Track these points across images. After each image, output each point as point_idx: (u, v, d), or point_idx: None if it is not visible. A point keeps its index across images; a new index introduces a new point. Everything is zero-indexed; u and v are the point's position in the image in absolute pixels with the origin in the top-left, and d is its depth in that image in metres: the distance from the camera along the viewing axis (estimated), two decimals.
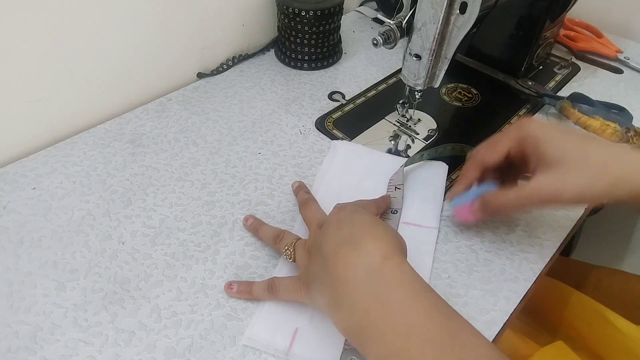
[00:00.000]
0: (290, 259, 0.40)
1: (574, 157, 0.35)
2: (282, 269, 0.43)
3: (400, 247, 0.35)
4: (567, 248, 0.77)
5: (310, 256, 0.38)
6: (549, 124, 0.39)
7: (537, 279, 0.43)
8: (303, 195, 0.48)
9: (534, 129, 0.38)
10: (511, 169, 0.43)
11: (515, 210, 0.40)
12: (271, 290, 0.39)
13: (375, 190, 0.50)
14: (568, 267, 0.64)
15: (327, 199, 0.48)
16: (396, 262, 0.32)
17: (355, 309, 0.32)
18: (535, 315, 0.57)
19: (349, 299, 0.32)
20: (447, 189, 0.50)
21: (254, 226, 0.46)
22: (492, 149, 0.41)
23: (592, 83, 0.68)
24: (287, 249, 0.41)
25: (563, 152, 0.36)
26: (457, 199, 0.45)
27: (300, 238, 0.42)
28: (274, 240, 0.43)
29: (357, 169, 0.53)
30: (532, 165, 0.39)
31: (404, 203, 0.48)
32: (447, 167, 0.52)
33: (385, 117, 0.60)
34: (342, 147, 0.55)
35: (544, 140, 0.37)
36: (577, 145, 0.36)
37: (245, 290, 0.41)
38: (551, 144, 0.37)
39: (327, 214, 0.41)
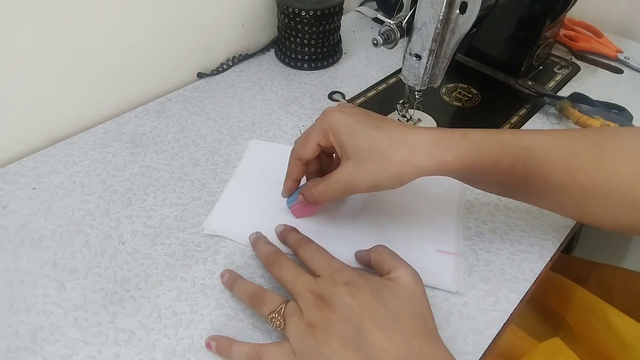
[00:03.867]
0: (279, 328, 0.35)
1: (364, 147, 0.37)
2: None
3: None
4: (568, 245, 0.77)
5: (315, 333, 0.33)
6: (348, 113, 0.39)
7: (537, 278, 0.43)
8: (294, 239, 0.42)
9: (334, 119, 0.39)
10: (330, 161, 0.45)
11: (328, 199, 0.41)
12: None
13: None
14: (570, 264, 0.64)
15: (244, 205, 0.48)
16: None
17: None
18: (538, 310, 0.57)
19: None
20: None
21: (229, 282, 0.40)
22: (303, 144, 0.41)
23: (592, 83, 0.68)
24: (274, 317, 0.35)
25: (356, 143, 0.38)
26: (290, 198, 0.46)
27: (288, 301, 0.36)
28: (250, 300, 0.37)
29: (276, 172, 0.48)
30: (338, 154, 0.40)
31: (429, 227, 0.46)
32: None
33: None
34: (257, 147, 0.55)
35: (342, 132, 0.38)
36: (367, 135, 0.38)
37: (225, 350, 0.36)
38: (347, 135, 0.38)
39: (322, 281, 0.35)
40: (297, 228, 0.44)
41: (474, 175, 0.38)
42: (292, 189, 0.45)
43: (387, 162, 0.37)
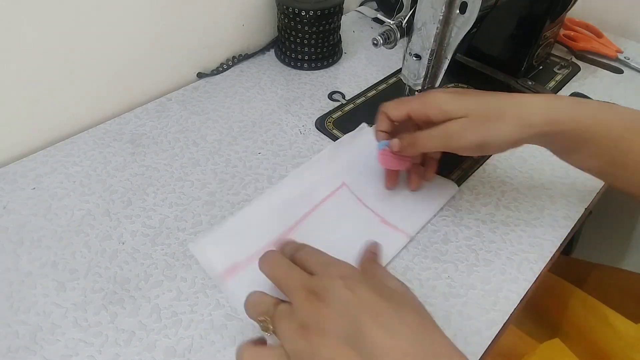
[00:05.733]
0: (267, 332, 0.31)
1: (473, 108, 0.39)
2: None
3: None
4: (568, 247, 0.77)
5: (307, 335, 0.29)
6: (450, 90, 0.42)
7: (537, 278, 0.43)
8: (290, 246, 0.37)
9: (437, 97, 0.41)
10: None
11: (426, 145, 0.42)
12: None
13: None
14: (569, 265, 0.64)
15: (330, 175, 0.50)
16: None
17: None
18: (537, 312, 0.57)
19: None
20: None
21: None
22: (396, 105, 0.43)
23: (592, 83, 0.68)
24: (263, 320, 0.31)
25: (464, 107, 0.39)
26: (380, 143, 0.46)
27: (280, 302, 0.32)
28: (249, 307, 0.33)
29: (370, 162, 0.52)
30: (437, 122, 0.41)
31: (390, 211, 0.48)
32: (457, 188, 0.50)
33: None
34: (367, 135, 0.55)
35: (445, 104, 0.40)
36: (476, 99, 0.39)
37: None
38: (452, 104, 0.40)
39: (317, 277, 0.32)
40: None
41: (581, 142, 0.38)
42: (382, 137, 0.45)
43: (499, 121, 0.38)
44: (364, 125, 0.56)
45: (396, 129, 0.45)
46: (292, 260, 0.35)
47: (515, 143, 0.39)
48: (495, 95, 0.40)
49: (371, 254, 0.39)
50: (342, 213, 0.48)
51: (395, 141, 0.43)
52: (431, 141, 0.41)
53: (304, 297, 0.30)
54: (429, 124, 0.41)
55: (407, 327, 0.29)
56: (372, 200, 0.49)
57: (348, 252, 0.42)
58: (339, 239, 0.45)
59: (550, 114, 0.37)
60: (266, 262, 0.35)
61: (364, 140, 0.54)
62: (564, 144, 0.40)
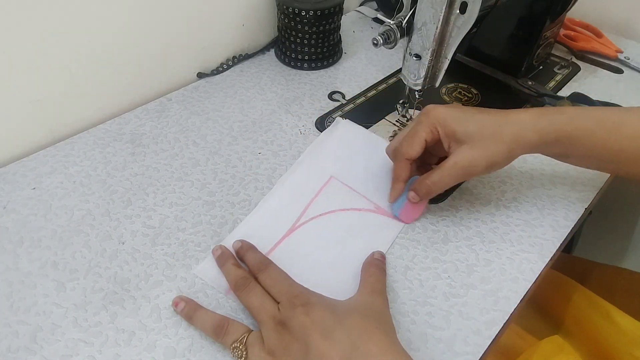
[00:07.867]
0: (241, 358, 0.35)
1: (476, 131, 0.40)
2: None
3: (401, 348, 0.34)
4: (568, 245, 0.77)
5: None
6: (449, 107, 0.43)
7: (537, 278, 0.43)
8: (254, 259, 0.41)
9: (439, 113, 0.42)
10: (428, 155, 0.46)
11: (443, 187, 0.43)
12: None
13: (368, 171, 0.51)
14: (570, 264, 0.64)
15: (312, 175, 0.51)
16: None
17: None
18: (539, 308, 0.57)
19: None
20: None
21: (187, 313, 0.38)
22: (411, 143, 0.43)
23: (592, 83, 0.68)
24: (236, 346, 0.35)
25: (467, 128, 0.41)
26: (395, 205, 0.47)
27: (251, 330, 0.37)
28: (214, 332, 0.37)
29: (352, 150, 0.53)
30: (446, 145, 0.42)
31: (381, 194, 0.49)
32: None
33: (386, 117, 0.60)
34: (344, 126, 0.56)
35: (450, 122, 0.41)
36: (476, 120, 0.41)
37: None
38: (456, 123, 0.41)
39: (282, 308, 0.36)
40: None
41: (570, 147, 0.41)
42: (401, 192, 0.46)
43: (499, 141, 0.40)
44: (338, 119, 0.57)
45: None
46: (255, 278, 0.39)
47: (514, 158, 0.42)
48: (489, 114, 0.41)
49: (377, 261, 0.43)
50: (337, 203, 0.48)
51: (412, 194, 0.45)
52: (447, 181, 0.42)
53: (273, 328, 0.35)
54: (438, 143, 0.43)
55: (349, 334, 0.33)
56: (363, 188, 0.50)
57: (349, 243, 0.45)
58: (338, 234, 0.46)
59: (541, 129, 0.40)
60: (243, 290, 0.38)
61: (342, 133, 0.55)
62: (556, 151, 0.43)
